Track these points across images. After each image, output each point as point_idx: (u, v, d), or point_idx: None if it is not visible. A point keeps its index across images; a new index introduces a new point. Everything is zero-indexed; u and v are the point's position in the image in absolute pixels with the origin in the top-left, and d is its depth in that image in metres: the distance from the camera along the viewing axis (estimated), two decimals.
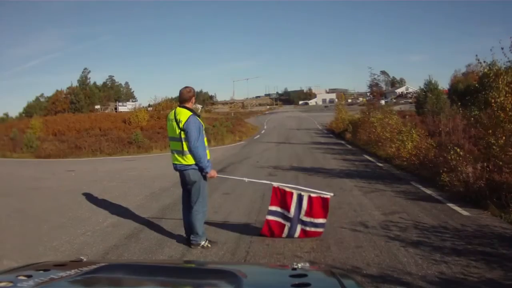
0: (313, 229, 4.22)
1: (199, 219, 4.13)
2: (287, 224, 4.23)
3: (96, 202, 6.71)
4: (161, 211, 5.92)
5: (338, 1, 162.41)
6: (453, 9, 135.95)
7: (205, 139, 4.14)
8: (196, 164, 4.03)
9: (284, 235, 4.25)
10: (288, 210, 4.21)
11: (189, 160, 4.03)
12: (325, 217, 4.23)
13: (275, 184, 4.34)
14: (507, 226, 4.74)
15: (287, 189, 4.27)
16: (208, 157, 4.11)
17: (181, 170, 4.11)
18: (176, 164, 4.14)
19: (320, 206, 4.19)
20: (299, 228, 4.22)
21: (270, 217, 4.27)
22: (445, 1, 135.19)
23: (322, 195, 4.23)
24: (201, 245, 4.14)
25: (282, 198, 4.25)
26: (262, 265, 2.83)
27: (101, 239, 4.65)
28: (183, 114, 4.00)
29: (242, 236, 4.48)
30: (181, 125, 3.96)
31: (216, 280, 1.21)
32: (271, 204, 4.27)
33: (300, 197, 4.21)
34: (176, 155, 4.10)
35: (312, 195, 4.24)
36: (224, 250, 4.08)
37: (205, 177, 4.16)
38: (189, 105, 4.12)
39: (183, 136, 3.98)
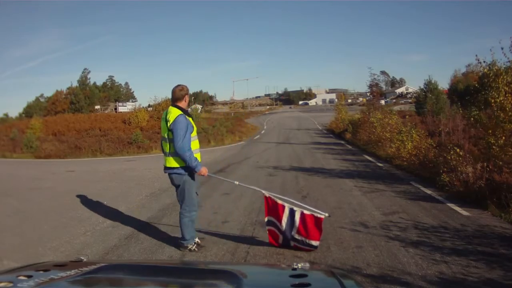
0: (306, 247, 3.92)
1: (184, 223, 3.98)
2: (280, 236, 4.01)
3: (96, 202, 6.71)
4: (161, 211, 5.92)
5: (338, 1, 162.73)
6: (453, 9, 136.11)
7: (197, 141, 3.99)
8: (182, 167, 3.87)
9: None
10: (280, 222, 3.95)
11: (171, 163, 3.89)
12: (318, 239, 3.85)
13: (267, 193, 4.06)
14: (507, 226, 4.73)
15: (279, 201, 3.95)
16: (199, 159, 3.93)
17: (168, 173, 4.01)
18: (164, 166, 4.03)
19: (314, 225, 3.81)
20: (291, 243, 3.97)
21: (268, 228, 4.07)
22: (445, 1, 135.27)
23: (315, 214, 3.82)
24: (188, 248, 4.04)
25: (274, 208, 4.00)
26: (262, 265, 2.83)
27: (101, 239, 4.65)
28: (173, 114, 3.81)
29: (242, 237, 4.48)
30: (168, 125, 3.80)
31: (216, 280, 1.21)
32: (266, 215, 4.07)
33: (292, 212, 3.87)
34: (164, 157, 4.01)
35: (305, 212, 3.85)
36: (224, 250, 4.08)
37: (192, 177, 3.97)
38: (182, 104, 3.93)
39: (170, 136, 3.83)
